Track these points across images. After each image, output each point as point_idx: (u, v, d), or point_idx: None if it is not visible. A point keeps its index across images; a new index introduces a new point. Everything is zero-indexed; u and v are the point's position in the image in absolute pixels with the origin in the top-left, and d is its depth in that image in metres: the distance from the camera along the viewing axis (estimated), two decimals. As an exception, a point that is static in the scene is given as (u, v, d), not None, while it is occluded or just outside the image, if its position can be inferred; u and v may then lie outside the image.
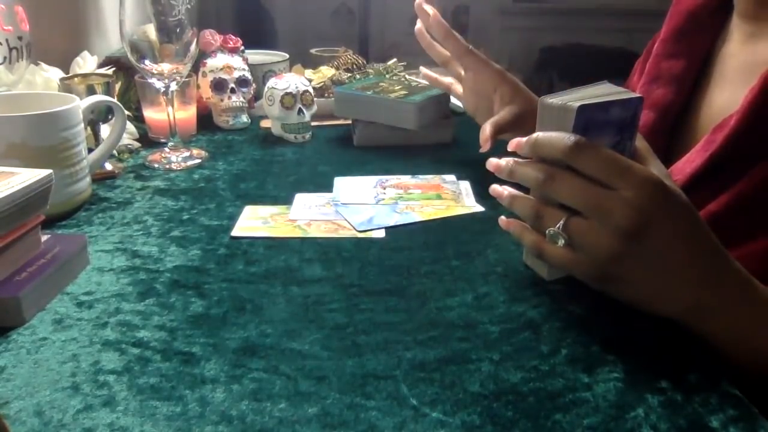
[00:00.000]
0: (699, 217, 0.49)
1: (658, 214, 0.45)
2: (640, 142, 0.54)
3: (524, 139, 0.51)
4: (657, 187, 0.46)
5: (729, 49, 0.67)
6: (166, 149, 0.89)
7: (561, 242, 0.49)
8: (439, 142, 0.98)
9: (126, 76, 1.00)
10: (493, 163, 0.56)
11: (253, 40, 1.26)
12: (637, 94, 0.53)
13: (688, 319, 0.49)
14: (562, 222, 0.48)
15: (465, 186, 0.80)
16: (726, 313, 0.48)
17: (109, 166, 0.83)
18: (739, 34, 0.67)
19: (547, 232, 0.50)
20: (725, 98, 0.65)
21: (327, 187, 0.79)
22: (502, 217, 0.57)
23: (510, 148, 0.53)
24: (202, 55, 1.02)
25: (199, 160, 0.89)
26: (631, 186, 0.45)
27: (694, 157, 0.62)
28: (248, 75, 1.06)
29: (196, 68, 1.02)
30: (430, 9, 0.80)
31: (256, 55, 1.20)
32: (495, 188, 0.57)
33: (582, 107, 0.49)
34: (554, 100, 0.51)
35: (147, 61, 0.83)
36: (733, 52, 0.67)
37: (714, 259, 0.48)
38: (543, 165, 0.50)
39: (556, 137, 0.48)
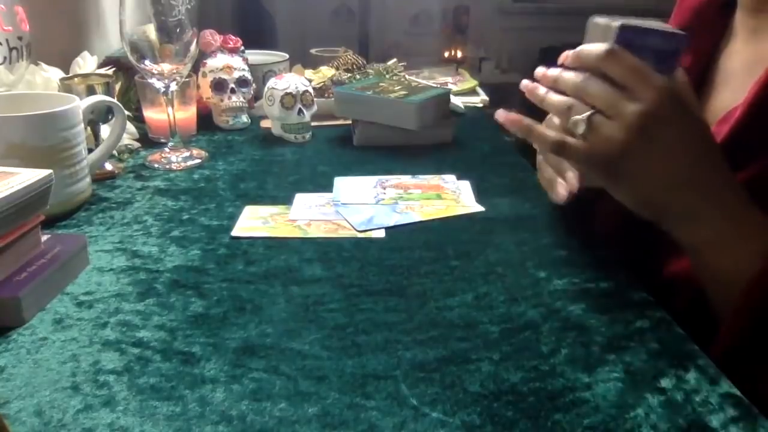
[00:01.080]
0: (709, 134, 0.54)
1: (667, 118, 0.51)
2: (682, 78, 0.57)
3: (571, 51, 0.56)
4: (671, 94, 0.51)
5: (733, 46, 0.68)
6: (166, 149, 0.89)
7: (581, 129, 0.54)
8: (439, 142, 0.98)
9: (126, 76, 1.00)
10: (539, 72, 0.59)
11: (253, 40, 1.27)
12: (683, 33, 0.56)
13: (680, 226, 0.54)
14: (587, 114, 0.53)
15: (465, 186, 0.80)
16: (716, 226, 0.52)
17: (109, 166, 0.83)
18: (743, 30, 0.67)
19: (570, 119, 0.55)
20: (729, 93, 0.65)
21: (327, 187, 0.79)
22: (500, 111, 0.60)
23: (559, 61, 0.58)
24: (202, 55, 1.02)
25: (199, 160, 0.89)
26: (647, 90, 0.51)
27: None
28: (248, 75, 1.06)
29: (196, 68, 1.02)
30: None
31: (256, 55, 1.20)
32: (527, 84, 0.60)
33: (623, 26, 0.54)
34: (601, 19, 0.56)
35: (147, 61, 0.83)
36: (737, 49, 0.67)
37: (715, 173, 0.53)
38: (581, 72, 0.55)
39: (594, 46, 0.53)
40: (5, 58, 0.85)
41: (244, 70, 1.05)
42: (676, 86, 0.53)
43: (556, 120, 0.59)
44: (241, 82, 1.04)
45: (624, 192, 0.56)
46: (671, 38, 0.55)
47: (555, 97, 0.57)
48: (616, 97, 0.52)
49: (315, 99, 0.99)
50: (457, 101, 1.17)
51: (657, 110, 0.50)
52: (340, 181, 0.81)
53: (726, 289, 0.52)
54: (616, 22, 0.54)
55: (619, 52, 0.52)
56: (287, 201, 0.75)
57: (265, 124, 1.06)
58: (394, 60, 1.22)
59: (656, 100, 0.50)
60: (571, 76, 0.55)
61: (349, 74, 1.18)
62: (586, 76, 0.54)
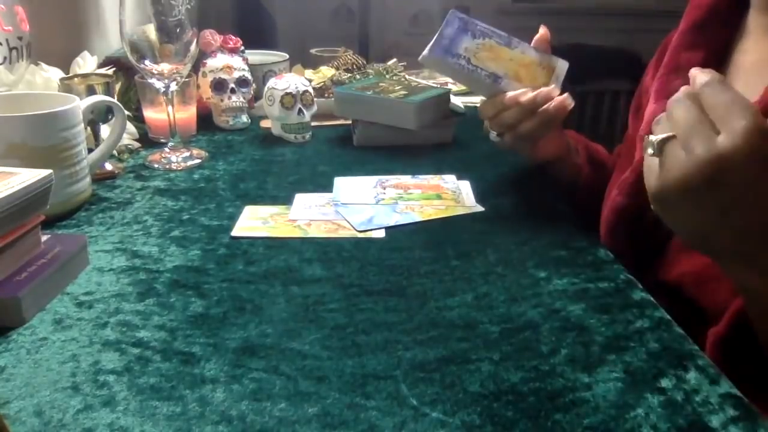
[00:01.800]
0: None
1: (743, 165, 0.45)
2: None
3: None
4: (756, 135, 0.44)
5: (746, 44, 0.68)
6: (166, 149, 0.89)
7: (650, 151, 0.50)
8: (439, 142, 0.98)
9: (126, 76, 1.00)
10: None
11: (253, 40, 1.26)
12: (451, 10, 0.76)
13: (734, 269, 0.50)
14: (662, 135, 0.49)
15: (465, 186, 0.80)
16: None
17: (109, 166, 0.83)
18: (755, 28, 0.67)
19: (646, 137, 0.51)
20: (741, 89, 0.65)
21: (327, 187, 0.79)
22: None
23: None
24: (202, 55, 1.02)
25: (199, 160, 0.89)
26: (730, 130, 0.45)
27: None
28: (248, 75, 1.06)
29: (196, 68, 1.02)
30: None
31: (256, 55, 1.20)
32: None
33: (431, 49, 0.73)
34: (424, 57, 0.75)
35: (147, 61, 0.83)
36: (750, 47, 0.67)
37: None
38: (686, 90, 0.50)
39: (701, 70, 0.50)
40: (5, 58, 0.85)
41: (244, 70, 1.05)
42: (764, 126, 0.45)
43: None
44: (241, 82, 1.04)
45: (668, 221, 0.52)
46: (450, 20, 0.73)
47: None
48: (696, 129, 0.47)
49: (315, 99, 0.99)
50: (457, 101, 1.17)
51: (733, 155, 0.44)
52: (340, 181, 0.81)
53: None
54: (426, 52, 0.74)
55: (714, 81, 0.48)
56: (287, 201, 0.75)
57: (265, 124, 1.06)
58: (394, 60, 1.22)
59: (736, 143, 0.44)
60: (676, 94, 0.51)
61: (349, 74, 1.18)
62: (681, 96, 0.50)
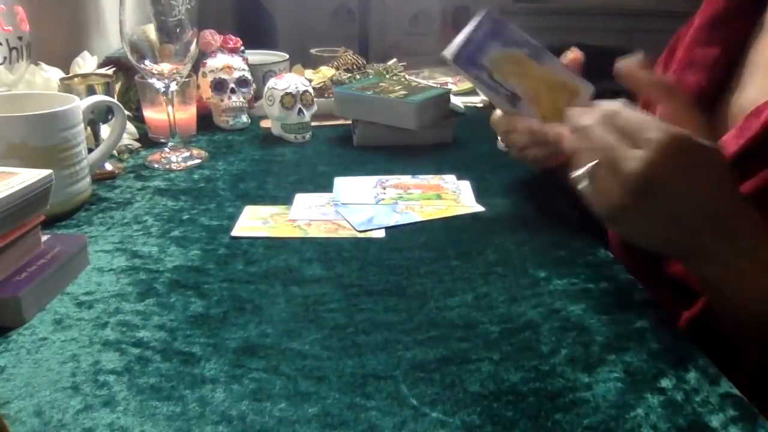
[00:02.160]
0: (717, 174, 0.50)
1: (670, 174, 0.48)
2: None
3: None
4: (675, 145, 0.48)
5: (763, 40, 0.67)
6: (166, 149, 0.89)
7: (583, 184, 0.53)
8: (439, 142, 0.98)
9: (126, 76, 1.00)
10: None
11: (253, 40, 1.26)
12: (484, 10, 0.69)
13: (694, 264, 0.53)
14: (589, 165, 0.52)
15: (465, 186, 0.80)
16: (730, 264, 0.50)
17: (109, 166, 0.83)
18: None
19: (575, 173, 0.54)
20: (758, 87, 0.65)
21: (327, 187, 0.79)
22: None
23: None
24: (202, 55, 1.02)
25: (199, 160, 0.89)
26: (645, 140, 0.48)
27: (727, 143, 0.62)
28: (248, 75, 1.06)
29: (196, 68, 1.02)
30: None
31: (256, 55, 1.20)
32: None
33: (455, 56, 0.68)
34: (447, 57, 0.70)
35: (147, 61, 0.83)
36: (766, 43, 0.67)
37: (730, 213, 0.50)
38: (597, 117, 0.53)
39: (605, 102, 0.54)
40: (5, 58, 0.85)
41: (244, 70, 1.05)
42: (682, 135, 0.49)
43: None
44: (241, 82, 1.04)
45: (626, 236, 0.55)
46: (482, 23, 0.68)
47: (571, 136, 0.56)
48: (617, 151, 0.50)
49: (315, 99, 0.99)
50: (457, 101, 1.17)
51: (657, 165, 0.47)
52: (340, 181, 0.81)
53: (744, 325, 0.52)
54: (447, 53, 0.68)
55: (627, 105, 0.51)
56: (287, 201, 0.75)
57: (265, 124, 1.06)
58: (394, 60, 1.22)
59: (658, 157, 0.47)
60: (585, 118, 0.54)
61: (349, 74, 1.18)
62: (593, 123, 0.52)
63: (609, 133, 0.51)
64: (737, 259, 0.50)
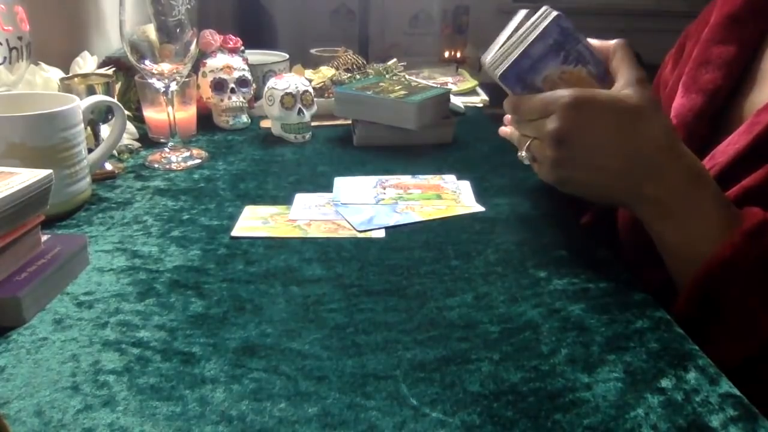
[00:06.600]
0: (634, 119, 0.57)
1: (580, 125, 0.57)
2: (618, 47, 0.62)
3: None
4: (575, 102, 0.57)
5: None
6: (166, 149, 0.89)
7: (526, 162, 0.65)
8: (439, 142, 0.98)
9: (126, 76, 1.00)
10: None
11: (253, 40, 1.26)
12: (551, 14, 0.61)
13: (640, 211, 0.59)
14: (525, 146, 0.64)
15: (465, 186, 0.80)
16: (671, 204, 0.56)
17: (109, 166, 0.83)
18: None
19: (518, 155, 0.66)
20: None
21: (327, 187, 0.79)
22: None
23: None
24: (202, 55, 1.02)
25: (199, 160, 0.89)
26: (552, 110, 0.58)
27: (737, 138, 0.62)
28: (248, 75, 1.06)
29: (196, 68, 1.02)
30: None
31: (256, 55, 1.20)
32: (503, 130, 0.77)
33: (504, 74, 0.61)
34: (489, 67, 0.64)
35: (147, 61, 0.83)
36: None
37: (657, 153, 0.56)
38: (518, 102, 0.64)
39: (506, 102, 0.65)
40: (5, 58, 0.85)
41: (244, 70, 1.05)
42: (580, 94, 0.58)
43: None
44: (241, 82, 1.04)
45: (576, 193, 0.62)
46: (546, 33, 0.60)
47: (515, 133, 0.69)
48: (536, 125, 0.60)
49: (315, 99, 0.99)
50: (457, 101, 1.18)
51: (566, 121, 0.57)
52: (340, 181, 0.81)
53: (683, 264, 0.57)
54: (498, 71, 0.62)
55: (516, 99, 0.63)
56: (287, 201, 0.75)
57: (265, 124, 1.06)
58: (394, 60, 1.22)
59: (564, 114, 0.57)
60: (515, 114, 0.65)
61: (349, 74, 1.18)
62: (521, 110, 0.63)
63: (531, 114, 0.61)
64: (668, 196, 0.55)
